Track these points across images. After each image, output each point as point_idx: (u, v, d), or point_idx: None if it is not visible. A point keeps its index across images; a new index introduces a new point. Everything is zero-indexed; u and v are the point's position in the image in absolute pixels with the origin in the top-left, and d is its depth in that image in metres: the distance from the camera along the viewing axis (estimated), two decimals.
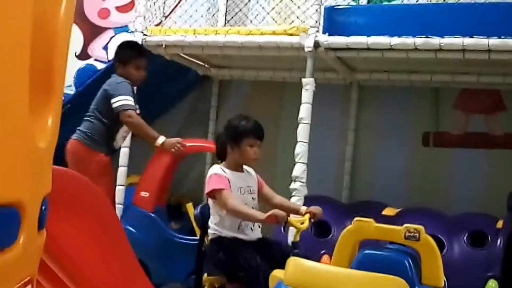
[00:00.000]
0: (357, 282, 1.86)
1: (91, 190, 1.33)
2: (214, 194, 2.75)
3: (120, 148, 3.62)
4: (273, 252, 2.74)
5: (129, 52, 3.59)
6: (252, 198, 2.90)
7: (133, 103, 3.39)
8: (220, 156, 2.96)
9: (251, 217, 2.71)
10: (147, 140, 3.46)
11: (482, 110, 4.84)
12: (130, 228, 3.40)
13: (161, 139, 3.36)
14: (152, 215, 3.54)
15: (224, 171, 2.83)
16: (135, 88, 3.60)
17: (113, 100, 3.37)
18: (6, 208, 0.77)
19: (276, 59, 4.45)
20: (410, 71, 4.60)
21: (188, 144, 3.56)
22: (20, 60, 0.79)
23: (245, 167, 2.97)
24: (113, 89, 3.41)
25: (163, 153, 3.50)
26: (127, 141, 3.87)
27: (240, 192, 2.83)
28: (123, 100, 3.34)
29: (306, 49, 3.79)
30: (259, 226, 2.88)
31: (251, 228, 2.83)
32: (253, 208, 2.83)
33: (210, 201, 2.85)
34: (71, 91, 4.78)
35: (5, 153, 0.74)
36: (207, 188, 2.78)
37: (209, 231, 2.85)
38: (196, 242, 3.03)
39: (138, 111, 3.50)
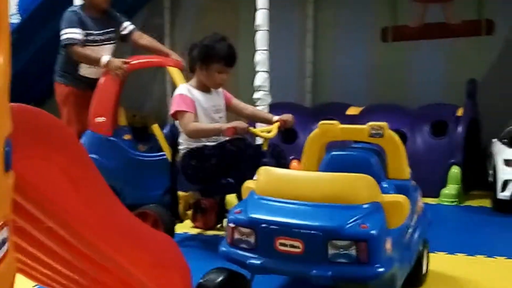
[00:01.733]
0: (327, 184, 1.92)
1: (54, 124, 1.30)
2: (176, 115, 2.71)
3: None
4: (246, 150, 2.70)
5: None
6: (220, 117, 2.86)
7: (75, 36, 3.41)
8: (190, 69, 2.88)
9: (211, 131, 2.68)
10: (96, 65, 3.44)
11: None
12: (93, 155, 3.30)
13: (104, 58, 3.36)
14: (113, 139, 3.47)
15: (190, 92, 2.77)
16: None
17: (60, 34, 3.44)
18: None
19: None
20: None
21: (132, 62, 3.47)
22: None
23: None
24: (61, 23, 3.46)
25: (110, 76, 3.41)
26: None
27: (206, 112, 2.78)
28: (65, 35, 3.42)
29: None
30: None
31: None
32: None
33: (176, 121, 2.82)
34: (17, 19, 4.56)
35: None
36: (171, 109, 2.74)
37: (180, 147, 2.84)
38: (163, 157, 3.02)
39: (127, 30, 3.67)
